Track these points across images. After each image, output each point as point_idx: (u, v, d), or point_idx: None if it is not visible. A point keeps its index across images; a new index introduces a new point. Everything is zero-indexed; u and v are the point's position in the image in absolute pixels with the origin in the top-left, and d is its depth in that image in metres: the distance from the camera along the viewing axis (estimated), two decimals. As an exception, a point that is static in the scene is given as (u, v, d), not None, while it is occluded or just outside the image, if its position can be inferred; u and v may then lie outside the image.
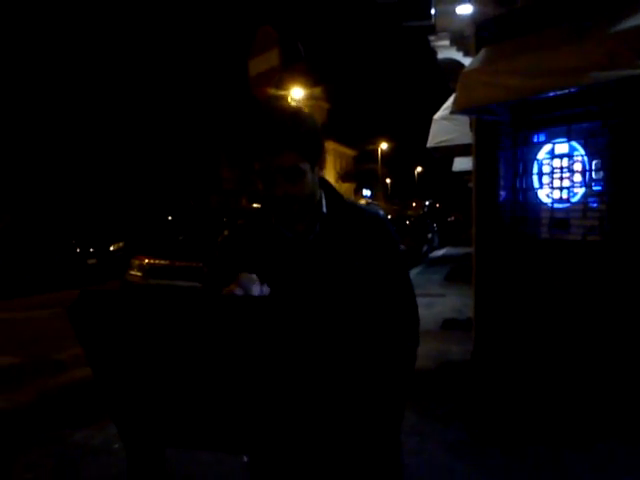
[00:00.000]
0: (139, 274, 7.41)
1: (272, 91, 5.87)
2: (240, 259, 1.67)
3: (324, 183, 1.73)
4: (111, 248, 14.81)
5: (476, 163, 5.81)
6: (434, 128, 7.46)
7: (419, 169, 66.08)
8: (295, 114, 1.62)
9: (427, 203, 58.11)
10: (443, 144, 7.52)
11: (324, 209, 1.68)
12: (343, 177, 56.93)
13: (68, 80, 23.12)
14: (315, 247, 1.65)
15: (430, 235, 22.45)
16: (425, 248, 20.19)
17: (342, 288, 1.61)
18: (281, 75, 5.97)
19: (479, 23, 5.87)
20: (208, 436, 1.42)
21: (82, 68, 23.63)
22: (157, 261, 7.43)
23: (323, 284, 1.61)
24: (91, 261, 14.14)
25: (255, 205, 11.85)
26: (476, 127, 5.73)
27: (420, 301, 1.79)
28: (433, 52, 8.05)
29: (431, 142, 7.55)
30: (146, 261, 7.46)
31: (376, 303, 1.66)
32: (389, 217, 25.69)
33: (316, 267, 1.63)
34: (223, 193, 28.87)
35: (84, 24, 24.26)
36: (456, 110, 5.14)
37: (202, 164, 29.49)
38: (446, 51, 7.74)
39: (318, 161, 1.63)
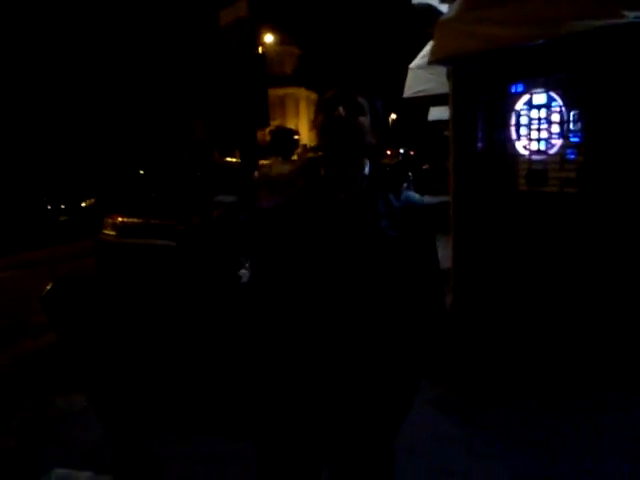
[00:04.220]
0: (113, 233, 7.26)
1: (244, 39, 5.75)
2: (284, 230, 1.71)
3: (374, 158, 1.82)
4: (83, 204, 14.48)
5: (453, 114, 5.72)
6: (410, 77, 7.29)
7: (393, 116, 65.40)
8: (378, 93, 1.80)
9: (402, 151, 57.69)
10: (420, 94, 7.39)
11: (366, 170, 1.76)
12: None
13: (40, 36, 22.06)
14: (357, 205, 1.71)
15: (405, 184, 22.41)
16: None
17: (375, 253, 1.68)
18: (250, 25, 5.81)
19: (457, -33, 5.68)
20: (200, 421, 1.39)
21: (52, 25, 22.55)
22: (131, 219, 7.27)
23: (359, 246, 1.67)
24: (62, 218, 13.83)
25: (228, 159, 11.58)
26: (453, 77, 5.61)
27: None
28: (409, -3, 7.80)
29: (408, 92, 7.39)
30: (119, 219, 7.30)
31: (404, 274, 1.74)
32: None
33: (354, 226, 1.69)
34: (194, 145, 28.28)
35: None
36: (433, 60, 5.02)
37: (173, 115, 28.71)
38: (421, -4, 7.50)
39: (377, 126, 1.75)
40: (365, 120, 1.69)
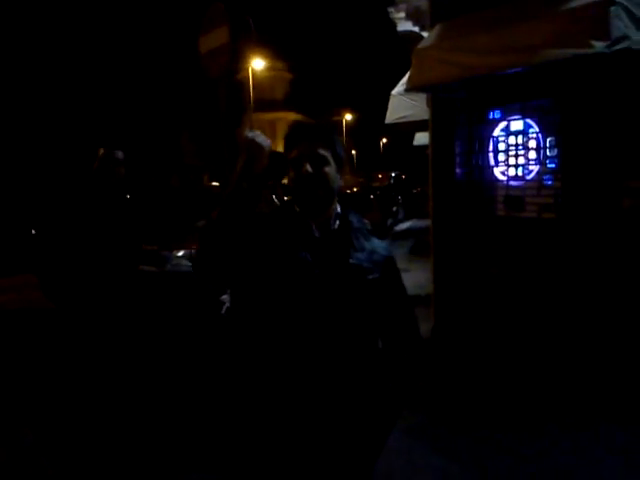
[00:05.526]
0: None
1: (224, 67, 5.74)
2: (252, 247, 1.78)
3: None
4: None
5: (432, 140, 5.77)
6: (392, 104, 7.36)
7: (384, 140, 65.86)
8: (336, 134, 1.94)
9: (393, 175, 57.87)
10: (402, 120, 7.44)
11: (339, 210, 1.92)
12: (307, 149, 56.25)
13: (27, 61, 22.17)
14: (335, 238, 1.85)
15: (395, 208, 22.45)
16: (390, 221, 20.20)
17: (354, 285, 1.80)
18: (233, 52, 5.79)
19: (434, -2, 5.78)
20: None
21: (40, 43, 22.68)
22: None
23: (339, 277, 1.79)
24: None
25: (215, 183, 11.57)
26: (432, 104, 5.67)
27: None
28: (393, 24, 7.89)
29: (389, 118, 7.46)
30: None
31: (380, 306, 1.87)
32: (354, 190, 25.67)
33: (332, 262, 1.81)
34: (184, 168, 28.29)
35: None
36: (410, 88, 5.07)
37: (163, 138, 28.81)
38: (404, 24, 7.60)
39: (341, 170, 1.90)
40: (330, 169, 1.84)
